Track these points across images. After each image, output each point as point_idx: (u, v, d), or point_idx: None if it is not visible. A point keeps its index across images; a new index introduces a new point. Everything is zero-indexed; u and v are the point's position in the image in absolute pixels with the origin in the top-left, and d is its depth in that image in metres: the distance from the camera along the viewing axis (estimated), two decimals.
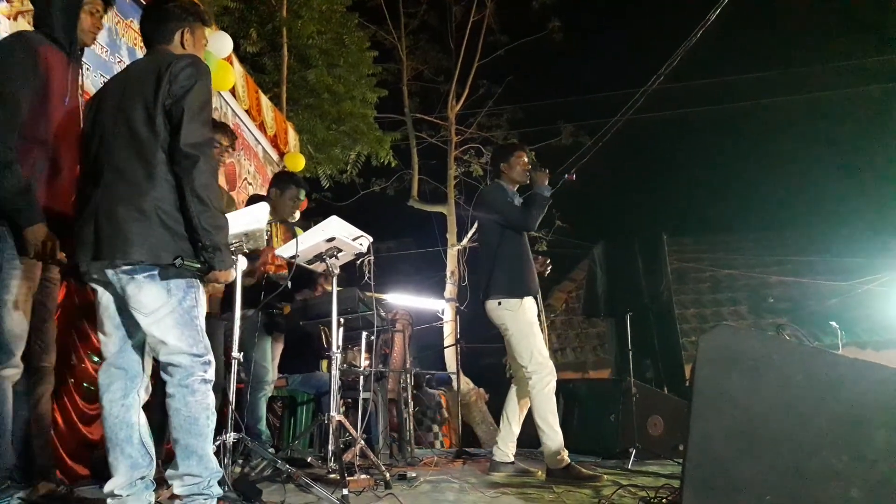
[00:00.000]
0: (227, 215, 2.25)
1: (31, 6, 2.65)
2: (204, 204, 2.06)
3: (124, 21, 3.90)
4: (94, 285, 2.20)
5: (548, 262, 4.26)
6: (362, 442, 3.43)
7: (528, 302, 3.77)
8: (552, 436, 3.60)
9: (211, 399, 2.15)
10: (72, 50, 2.43)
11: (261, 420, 3.75)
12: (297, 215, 4.21)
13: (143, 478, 2.15)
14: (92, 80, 3.49)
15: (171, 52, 2.29)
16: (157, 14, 2.35)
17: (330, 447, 3.22)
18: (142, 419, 2.20)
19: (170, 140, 2.09)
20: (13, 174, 2.18)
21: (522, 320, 3.70)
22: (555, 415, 3.65)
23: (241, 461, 3.35)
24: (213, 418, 2.15)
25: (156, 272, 2.07)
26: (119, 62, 3.79)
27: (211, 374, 2.17)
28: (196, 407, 2.09)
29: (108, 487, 2.12)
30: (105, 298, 2.19)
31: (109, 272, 2.10)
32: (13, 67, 2.22)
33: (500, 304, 3.74)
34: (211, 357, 2.17)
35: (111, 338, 2.20)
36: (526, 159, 4.04)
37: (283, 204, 3.95)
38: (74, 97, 2.44)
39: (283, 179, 4.11)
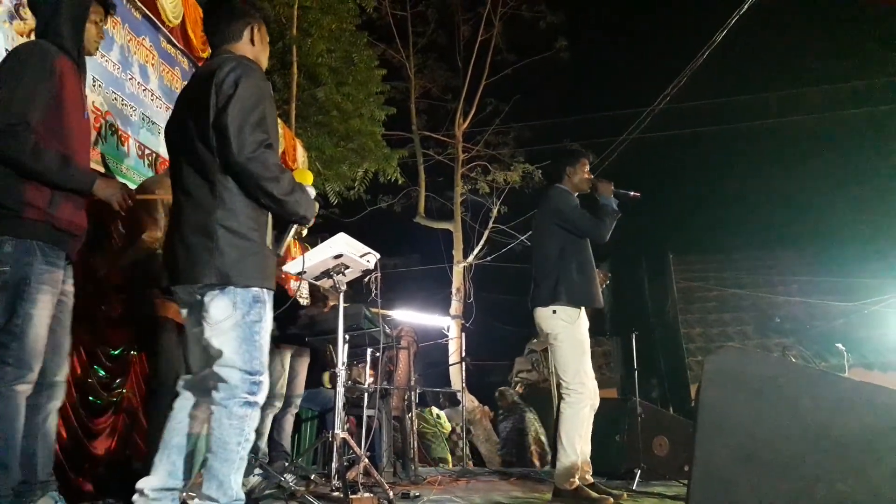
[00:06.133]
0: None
1: None
2: (271, 196, 2.09)
3: (136, 39, 3.95)
4: (182, 308, 2.25)
5: (608, 275, 4.07)
6: (366, 460, 3.42)
7: (584, 315, 3.63)
8: (571, 456, 3.43)
9: (250, 425, 2.09)
10: (80, 60, 2.42)
11: (261, 436, 3.73)
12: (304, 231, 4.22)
13: (173, 489, 2.14)
14: (104, 97, 3.54)
15: (234, 52, 2.21)
16: (223, 11, 2.27)
17: (334, 465, 3.21)
18: (202, 435, 2.19)
19: (225, 155, 2.03)
20: (43, 153, 2.13)
21: (576, 334, 3.56)
22: (580, 438, 3.48)
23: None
24: (247, 445, 2.10)
25: (227, 287, 2.07)
26: (130, 79, 3.84)
27: (261, 396, 2.11)
28: (229, 430, 2.04)
29: (140, 484, 2.12)
30: (192, 319, 2.21)
31: (189, 290, 2.15)
32: (29, 72, 2.17)
33: (554, 312, 3.55)
34: (264, 378, 2.12)
35: (195, 356, 2.24)
36: (588, 168, 3.93)
37: None
38: (85, 107, 2.44)
39: None
